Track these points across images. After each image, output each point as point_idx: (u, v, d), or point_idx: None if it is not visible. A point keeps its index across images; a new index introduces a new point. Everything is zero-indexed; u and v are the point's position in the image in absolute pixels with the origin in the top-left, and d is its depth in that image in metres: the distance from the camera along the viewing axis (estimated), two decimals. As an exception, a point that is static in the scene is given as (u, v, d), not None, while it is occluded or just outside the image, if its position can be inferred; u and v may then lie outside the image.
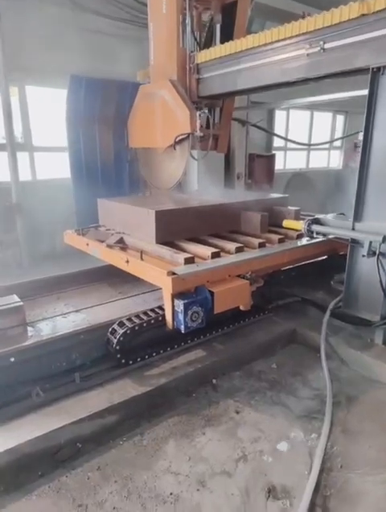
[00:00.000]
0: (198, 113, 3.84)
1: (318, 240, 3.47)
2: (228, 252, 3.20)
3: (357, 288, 3.21)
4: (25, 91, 5.09)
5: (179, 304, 2.66)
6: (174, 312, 2.74)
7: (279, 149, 8.98)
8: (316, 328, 3.28)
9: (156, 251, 3.18)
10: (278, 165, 8.74)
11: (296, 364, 3.13)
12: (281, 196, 4.49)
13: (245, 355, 3.15)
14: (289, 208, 4.09)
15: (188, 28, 3.89)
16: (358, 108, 10.42)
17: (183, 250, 3.16)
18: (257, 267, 3.17)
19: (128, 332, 2.74)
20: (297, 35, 3.05)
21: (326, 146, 10.18)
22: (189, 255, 2.93)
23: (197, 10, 4.34)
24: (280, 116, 8.81)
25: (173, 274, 2.68)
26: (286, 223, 3.49)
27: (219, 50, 3.69)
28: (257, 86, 3.53)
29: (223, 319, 3.33)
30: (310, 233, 3.29)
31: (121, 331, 2.73)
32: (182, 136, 3.89)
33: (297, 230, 3.48)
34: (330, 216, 3.43)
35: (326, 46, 2.87)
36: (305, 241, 3.55)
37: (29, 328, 2.93)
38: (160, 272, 2.76)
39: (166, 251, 3.08)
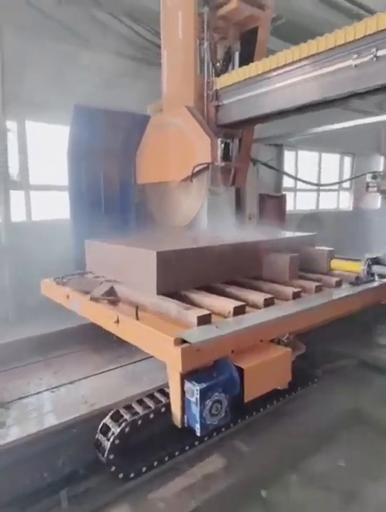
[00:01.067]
0: (219, 140, 3.37)
1: (369, 286, 2.79)
2: (255, 306, 2.43)
3: None
4: (24, 126, 4.66)
5: (193, 390, 1.84)
6: (184, 402, 1.91)
7: (289, 190, 8.62)
8: None
9: (158, 305, 2.40)
10: (288, 206, 8.31)
11: (369, 458, 2.30)
12: (308, 234, 3.80)
13: (298, 447, 2.33)
14: (320, 248, 3.43)
15: (206, 54, 3.54)
16: (364, 150, 10.26)
17: (194, 304, 2.40)
18: (299, 326, 2.42)
19: (126, 431, 1.93)
20: (341, 45, 2.62)
21: (336, 187, 9.90)
22: (204, 312, 2.14)
23: (213, 40, 4.04)
24: (289, 157, 8.54)
25: (183, 341, 1.86)
26: (336, 264, 2.84)
27: (242, 72, 3.29)
28: (290, 107, 3.05)
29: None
30: (371, 277, 2.63)
31: (117, 430, 1.92)
32: (201, 166, 3.37)
33: (354, 272, 2.81)
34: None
35: (380, 53, 2.41)
36: (346, 288, 2.84)
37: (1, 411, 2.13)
38: (163, 339, 1.93)
39: (171, 305, 2.30)
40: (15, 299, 4.68)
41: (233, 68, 3.82)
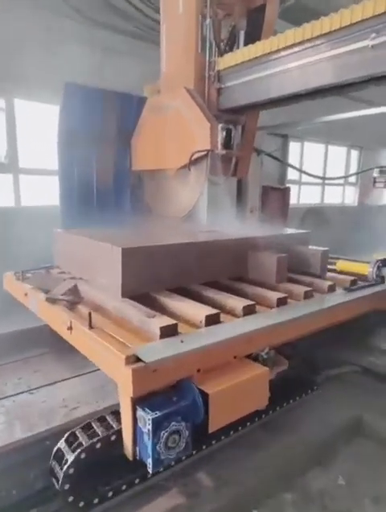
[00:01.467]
0: (220, 125, 3.11)
1: (366, 293, 2.50)
2: (232, 313, 2.12)
3: None
4: (13, 104, 4.39)
5: (145, 419, 1.52)
6: (135, 432, 1.62)
7: (293, 182, 8.35)
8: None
9: (120, 310, 2.07)
10: (292, 199, 8.05)
11: (371, 475, 2.12)
12: (300, 231, 3.36)
13: (295, 462, 2.14)
14: (313, 248, 2.99)
15: (209, 30, 3.24)
16: (372, 144, 9.92)
17: (164, 309, 2.10)
18: (282, 339, 2.11)
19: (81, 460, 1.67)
20: (357, 23, 2.35)
21: (341, 181, 9.62)
22: (169, 321, 1.83)
23: (217, 17, 3.74)
24: (294, 148, 8.24)
25: (136, 360, 1.57)
26: (342, 265, 2.61)
27: (248, 52, 3.02)
28: (299, 92, 2.78)
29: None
30: (381, 279, 2.41)
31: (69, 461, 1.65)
32: (200, 153, 3.12)
33: (360, 275, 2.58)
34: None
35: None
36: (340, 294, 2.51)
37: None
38: (114, 355, 1.62)
39: (133, 312, 1.97)
40: (1, 290, 4.46)
41: (238, 49, 3.54)
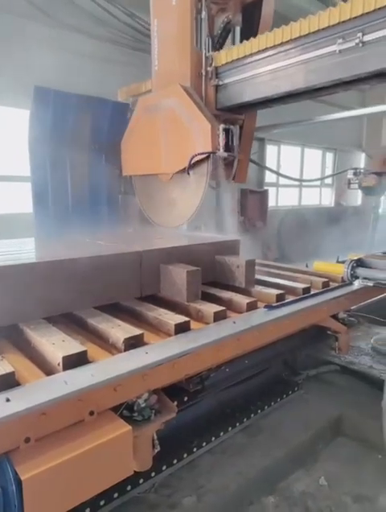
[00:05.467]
0: (220, 126, 2.95)
1: (290, 310, 2.11)
2: (115, 347, 1.66)
3: None
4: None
5: None
6: None
7: (271, 185, 8.42)
8: (371, 413, 2.24)
9: None
10: (271, 202, 8.19)
11: (352, 475, 2.17)
12: (229, 238, 2.78)
13: (277, 466, 2.14)
14: (235, 258, 2.44)
15: (204, 24, 3.14)
16: (346, 146, 10.24)
17: (27, 345, 1.67)
18: (163, 382, 1.62)
19: None
20: (324, 29, 2.36)
21: (318, 183, 9.88)
22: (6, 369, 1.36)
23: (210, 11, 3.64)
24: (271, 151, 8.34)
25: None
26: (319, 266, 2.69)
27: (250, 46, 2.82)
28: (273, 96, 2.78)
29: (240, 403, 2.38)
30: (355, 279, 2.49)
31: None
32: (201, 156, 2.93)
33: (337, 275, 2.61)
34: (371, 257, 2.66)
35: (367, 38, 2.19)
36: (260, 313, 2.07)
37: None
38: None
39: None
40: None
41: (233, 44, 3.42)
